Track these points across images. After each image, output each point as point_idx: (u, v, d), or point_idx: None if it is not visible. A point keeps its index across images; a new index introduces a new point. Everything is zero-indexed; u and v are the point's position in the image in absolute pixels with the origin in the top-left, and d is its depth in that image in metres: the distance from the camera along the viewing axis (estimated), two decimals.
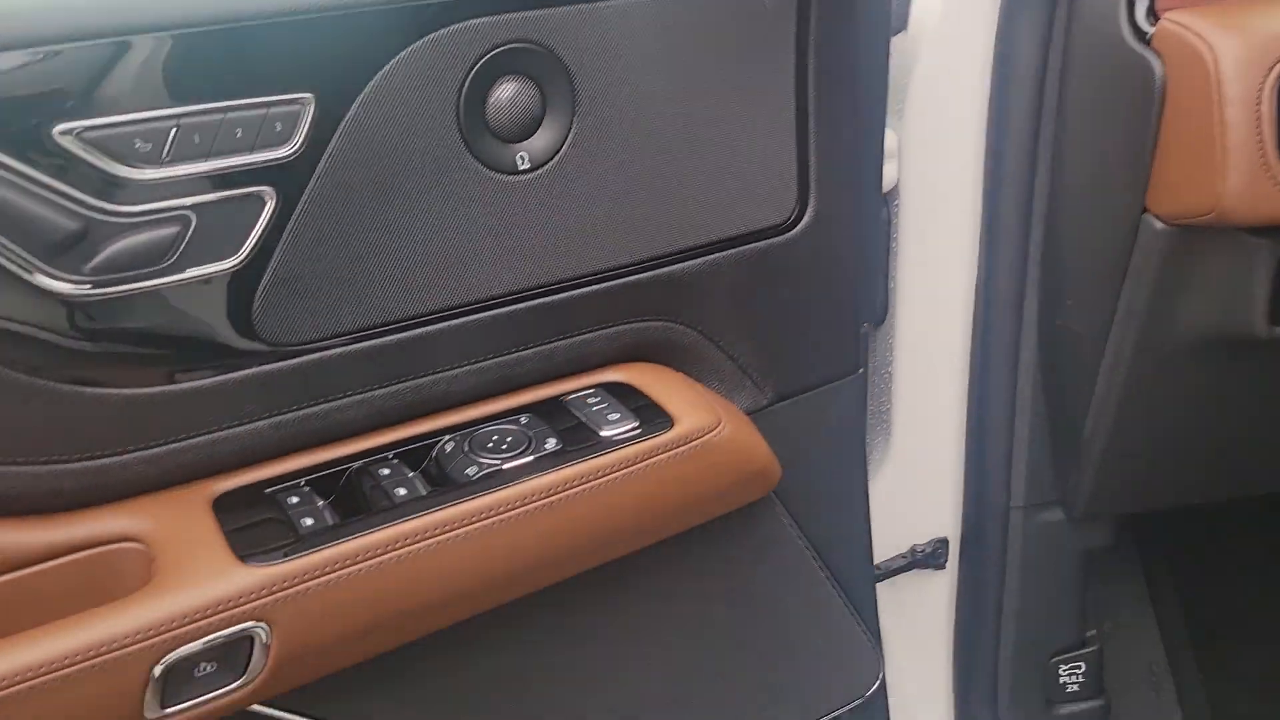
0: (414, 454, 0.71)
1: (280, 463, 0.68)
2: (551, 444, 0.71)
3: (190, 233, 0.60)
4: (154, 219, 0.59)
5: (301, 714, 0.67)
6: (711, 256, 0.79)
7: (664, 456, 0.72)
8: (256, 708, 0.64)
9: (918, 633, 1.17)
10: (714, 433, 0.75)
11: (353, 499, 0.67)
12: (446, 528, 0.64)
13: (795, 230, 0.82)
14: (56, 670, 0.54)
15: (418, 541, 0.64)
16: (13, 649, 0.54)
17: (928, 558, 1.17)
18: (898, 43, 0.96)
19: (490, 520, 0.66)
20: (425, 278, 0.68)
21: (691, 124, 0.75)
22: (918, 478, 1.14)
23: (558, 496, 0.68)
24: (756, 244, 0.81)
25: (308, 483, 0.67)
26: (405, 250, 0.67)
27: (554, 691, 0.77)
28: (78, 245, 0.57)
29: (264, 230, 0.62)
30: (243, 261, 0.62)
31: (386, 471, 0.68)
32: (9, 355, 0.57)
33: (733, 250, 0.80)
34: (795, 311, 0.85)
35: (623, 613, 0.79)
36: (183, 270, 0.60)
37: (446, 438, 0.72)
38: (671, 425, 0.74)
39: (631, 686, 0.81)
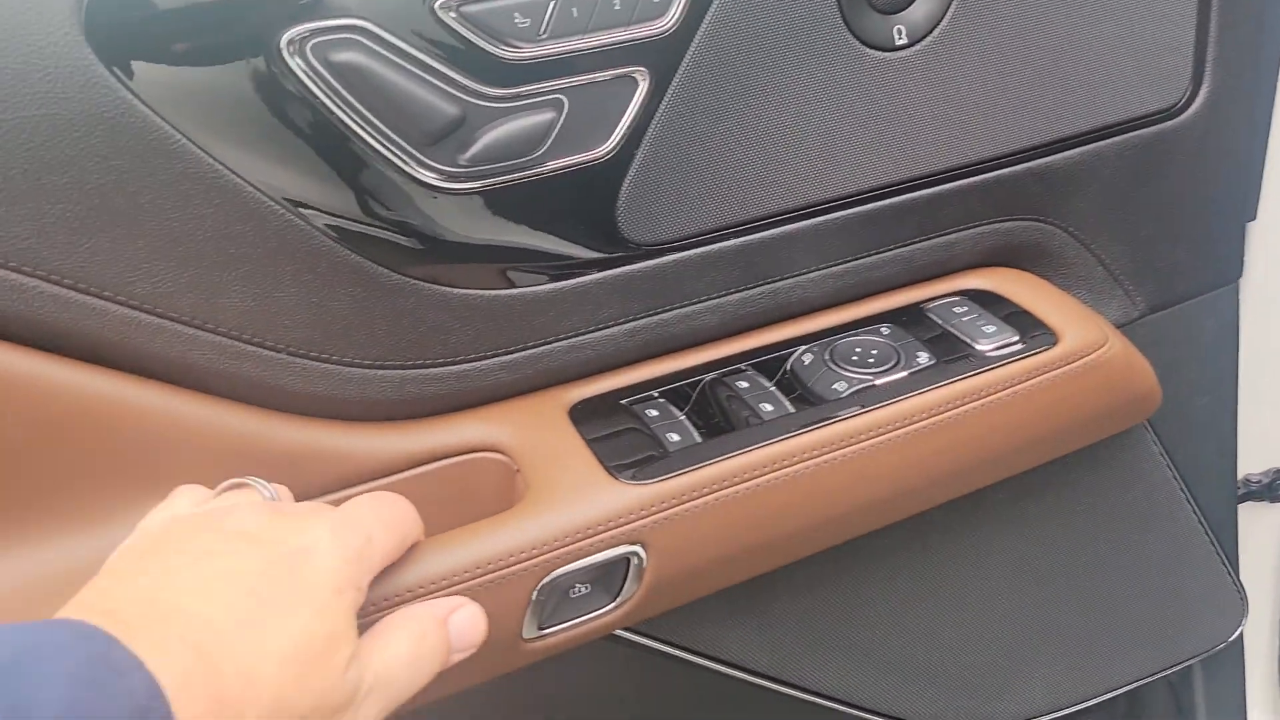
0: (770, 364, 0.65)
1: (631, 371, 0.63)
2: (924, 358, 0.64)
3: (563, 119, 0.55)
4: (529, 104, 0.54)
5: (657, 638, 0.64)
6: (1092, 146, 0.69)
7: (1049, 376, 0.64)
8: (620, 631, 0.61)
9: (1245, 572, 1.05)
10: (1101, 350, 0.65)
11: (711, 413, 0.61)
12: (824, 449, 0.58)
13: (1185, 115, 0.70)
14: (443, 588, 0.51)
15: (795, 463, 0.58)
16: (397, 566, 0.52)
17: (1263, 490, 1.05)
18: None
19: (868, 442, 0.59)
20: (791, 170, 0.61)
21: None
22: (1259, 398, 1.01)
23: (939, 418, 0.61)
24: (1142, 131, 0.70)
25: (662, 394, 0.63)
26: (773, 139, 0.60)
27: (905, 622, 0.71)
28: (454, 133, 0.53)
29: (634, 117, 0.56)
30: (611, 152, 0.56)
31: (744, 385, 0.63)
32: (382, 253, 0.54)
33: (1116, 138, 0.69)
34: (1176, 209, 0.73)
35: (979, 543, 0.72)
36: (551, 161, 0.55)
37: (803, 348, 0.65)
38: (1056, 340, 0.65)
39: (983, 620, 0.74)
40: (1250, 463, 1.05)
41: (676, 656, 0.65)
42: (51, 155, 0.46)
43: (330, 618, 0.42)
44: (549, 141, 0.55)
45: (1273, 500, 1.06)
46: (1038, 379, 0.63)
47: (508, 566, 0.52)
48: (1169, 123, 0.70)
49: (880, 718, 0.72)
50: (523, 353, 0.59)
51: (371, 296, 0.54)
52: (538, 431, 0.59)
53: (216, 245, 0.50)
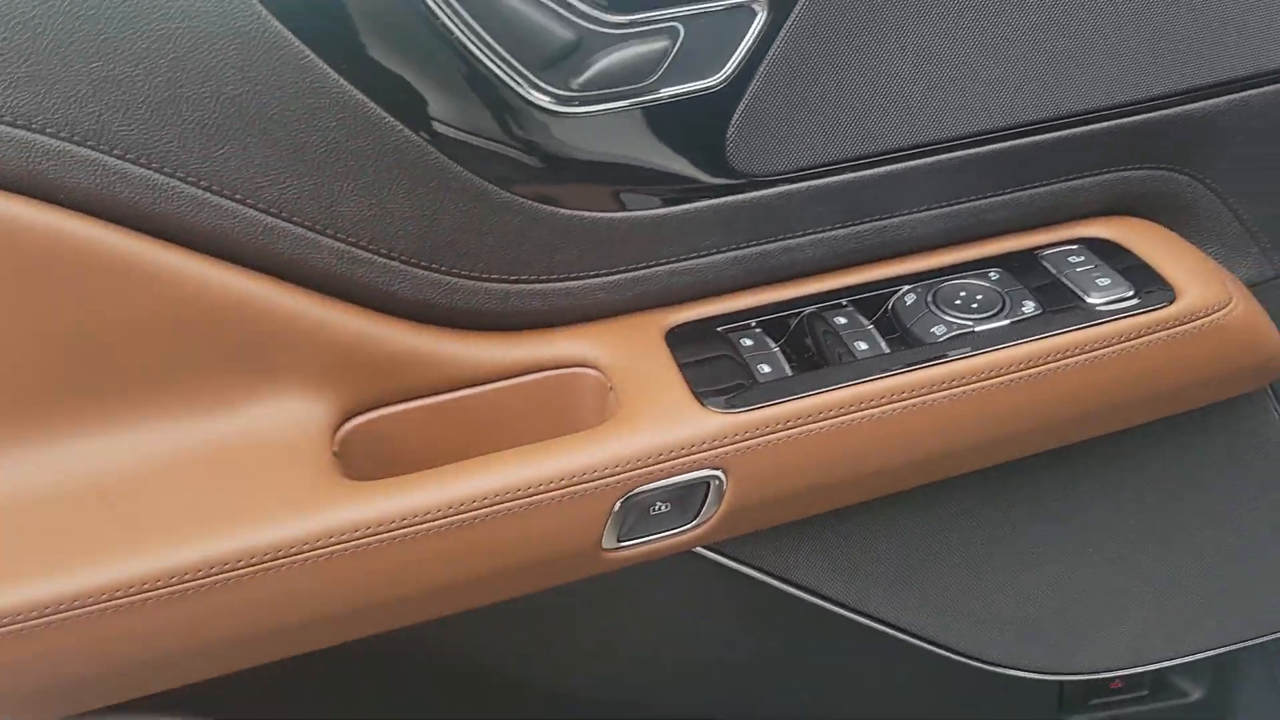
0: (870, 302, 0.64)
1: (732, 299, 0.64)
2: (1029, 307, 0.63)
3: (677, 47, 0.55)
4: (644, 30, 0.54)
5: (733, 558, 0.66)
6: (1240, 94, 0.65)
7: (1164, 334, 0.62)
8: (700, 550, 0.63)
9: None
10: (1224, 310, 0.63)
11: (806, 347, 0.62)
12: (914, 392, 0.59)
13: None
14: (530, 495, 0.54)
15: (882, 404, 0.58)
16: (488, 471, 0.55)
17: None
18: None
19: (961, 389, 0.59)
20: (908, 108, 0.60)
21: None
22: None
23: (1039, 369, 0.60)
24: None
25: (759, 324, 0.63)
26: (891, 76, 0.59)
27: (985, 567, 0.72)
28: (569, 58, 0.54)
29: (750, 48, 0.56)
30: (724, 82, 0.56)
31: (842, 320, 0.63)
32: (492, 170, 0.56)
33: (1268, 88, 0.65)
34: None
35: (1070, 495, 0.72)
36: (664, 88, 0.56)
37: (906, 288, 0.65)
38: (1174, 297, 0.63)
39: (1066, 572, 0.73)
40: None
41: (754, 578, 0.67)
42: (191, 65, 0.49)
43: None
44: (662, 69, 0.55)
45: None
46: (1149, 337, 0.61)
47: (592, 480, 0.55)
48: None
49: (953, 654, 0.73)
50: (625, 274, 0.61)
51: (481, 212, 0.56)
52: (633, 351, 0.61)
53: (338, 156, 0.53)
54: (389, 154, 0.53)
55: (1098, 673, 0.76)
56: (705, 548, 0.64)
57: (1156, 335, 0.61)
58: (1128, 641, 0.76)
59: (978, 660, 0.74)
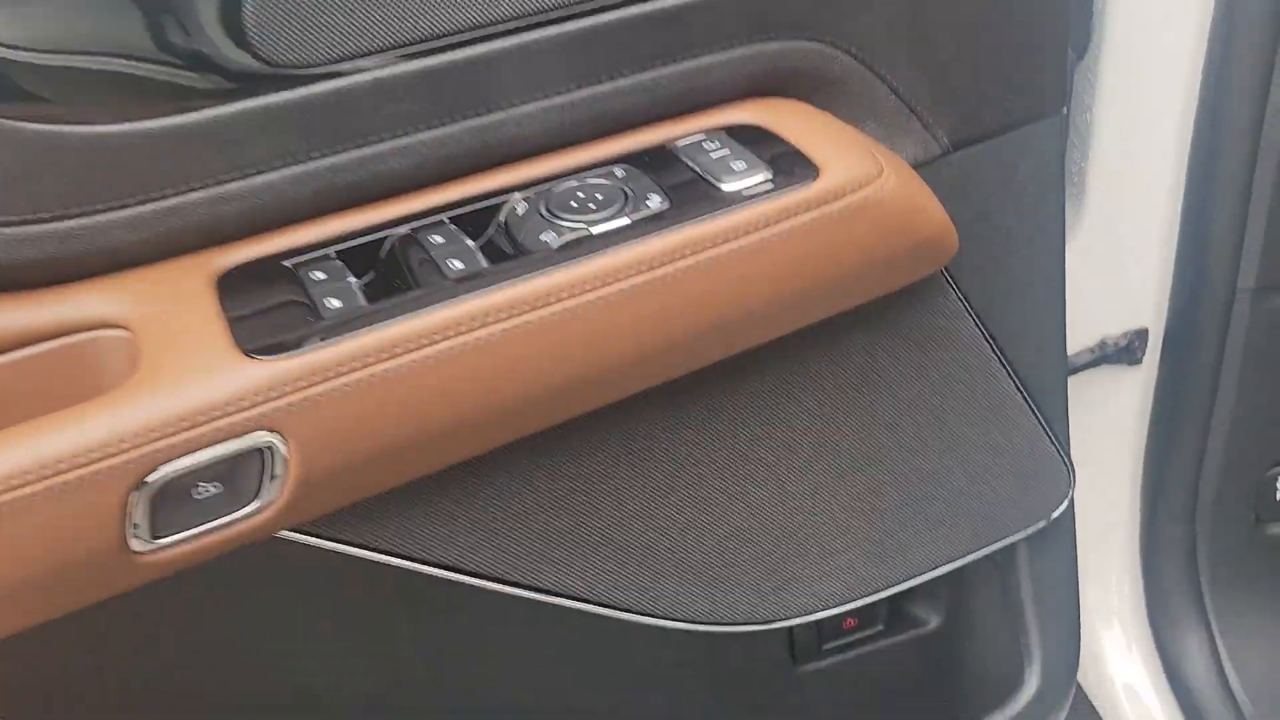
0: (476, 217, 0.54)
1: (305, 228, 0.53)
2: (655, 202, 0.54)
3: None
4: None
5: (329, 538, 0.54)
6: None
7: (806, 217, 0.54)
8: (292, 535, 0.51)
9: (1102, 440, 0.99)
10: (873, 186, 0.56)
11: (396, 275, 0.51)
12: (512, 311, 0.48)
13: None
14: (8, 491, 0.41)
15: (475, 329, 0.48)
16: None
17: (1121, 352, 0.98)
18: None
19: (571, 301, 0.49)
20: None
21: None
22: (1113, 255, 0.93)
23: (663, 270, 0.51)
24: None
25: (339, 254, 0.52)
26: None
27: (659, 513, 0.62)
28: None
29: None
30: None
31: (440, 239, 0.52)
32: None
33: None
34: (986, 31, 0.63)
35: (749, 415, 0.63)
36: None
37: (518, 195, 0.55)
38: (816, 175, 0.55)
39: (756, 508, 0.65)
40: (1106, 324, 0.97)
41: (377, 562, 0.56)
42: None
43: None
44: None
45: (1132, 363, 0.99)
46: (788, 222, 0.53)
47: (95, 462, 0.42)
48: None
49: (647, 617, 0.64)
50: (146, 206, 0.48)
51: None
52: (170, 304, 0.49)
53: None
54: None
55: (813, 613, 0.68)
56: (297, 532, 0.53)
57: (795, 219, 0.53)
58: (842, 575, 0.69)
59: (677, 620, 0.65)
